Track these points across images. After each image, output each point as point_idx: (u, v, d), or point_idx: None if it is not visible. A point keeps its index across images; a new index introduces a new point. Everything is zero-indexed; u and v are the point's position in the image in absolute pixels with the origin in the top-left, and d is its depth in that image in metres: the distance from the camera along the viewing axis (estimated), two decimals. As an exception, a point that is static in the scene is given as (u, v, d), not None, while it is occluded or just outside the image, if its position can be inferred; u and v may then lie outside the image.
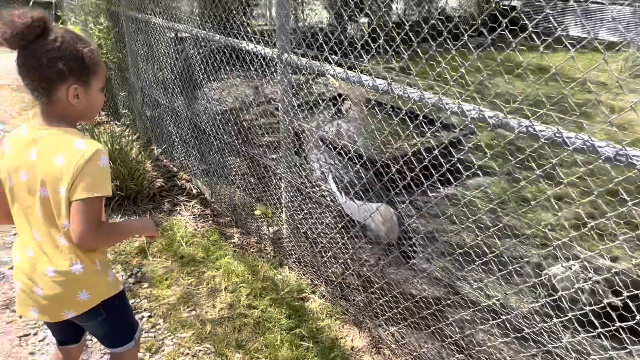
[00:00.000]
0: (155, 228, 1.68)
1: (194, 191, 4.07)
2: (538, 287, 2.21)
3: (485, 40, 1.57)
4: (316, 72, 2.37)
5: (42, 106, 1.43)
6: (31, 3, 6.89)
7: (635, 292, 1.40)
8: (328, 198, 2.67)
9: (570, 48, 1.43)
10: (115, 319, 1.68)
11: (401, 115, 2.02)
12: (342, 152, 2.69)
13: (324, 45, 2.33)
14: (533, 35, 1.51)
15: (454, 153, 1.89)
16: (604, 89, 6.88)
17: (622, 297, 1.42)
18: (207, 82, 3.78)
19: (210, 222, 3.65)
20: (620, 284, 1.49)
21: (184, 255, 3.20)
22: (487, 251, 1.85)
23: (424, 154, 2.00)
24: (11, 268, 3.05)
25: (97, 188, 1.36)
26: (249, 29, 3.06)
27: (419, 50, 1.90)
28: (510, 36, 1.56)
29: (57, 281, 1.47)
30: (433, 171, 1.91)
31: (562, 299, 1.72)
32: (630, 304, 1.45)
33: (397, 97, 1.97)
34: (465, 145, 1.76)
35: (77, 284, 1.49)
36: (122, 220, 1.58)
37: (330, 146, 2.84)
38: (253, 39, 2.88)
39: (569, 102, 1.71)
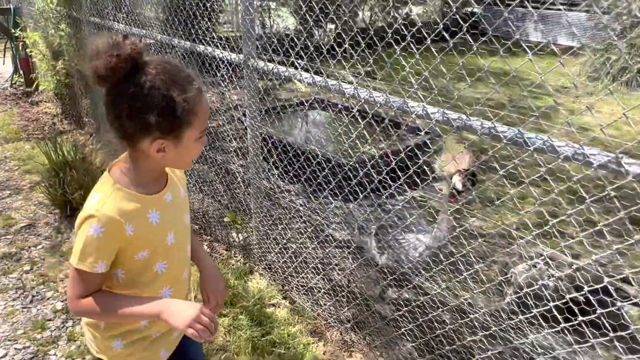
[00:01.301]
0: (194, 320, 1.18)
1: (161, 199, 4.00)
2: (504, 286, 2.26)
3: (448, 44, 1.60)
4: (283, 78, 2.36)
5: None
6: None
7: (595, 286, 1.44)
8: (298, 202, 2.66)
9: (529, 51, 1.47)
10: None
11: (368, 119, 2.04)
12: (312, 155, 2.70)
13: (290, 50, 2.34)
14: (493, 39, 1.55)
15: (420, 156, 1.91)
16: (565, 92, 7.11)
17: (583, 292, 1.47)
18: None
19: (178, 230, 3.59)
20: (582, 280, 1.54)
21: (151, 264, 3.14)
22: (455, 251, 1.89)
23: (391, 157, 2.02)
24: None
25: (78, 258, 1.16)
26: (214, 34, 3.04)
27: (383, 55, 1.93)
28: (471, 40, 1.60)
29: None
30: (400, 174, 1.94)
31: (527, 296, 1.76)
32: (592, 298, 1.50)
33: (363, 100, 1.99)
34: (430, 148, 1.78)
35: (86, 325, 1.41)
36: (133, 298, 1.27)
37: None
38: (219, 44, 2.86)
39: (529, 104, 1.76)
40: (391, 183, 2.01)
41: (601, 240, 1.41)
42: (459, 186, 2.24)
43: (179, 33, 3.28)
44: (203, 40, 2.95)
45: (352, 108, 2.14)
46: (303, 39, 2.31)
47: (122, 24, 3.89)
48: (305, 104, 4.24)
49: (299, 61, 2.28)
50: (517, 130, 1.55)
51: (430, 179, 1.86)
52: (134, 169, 1.23)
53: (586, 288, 1.46)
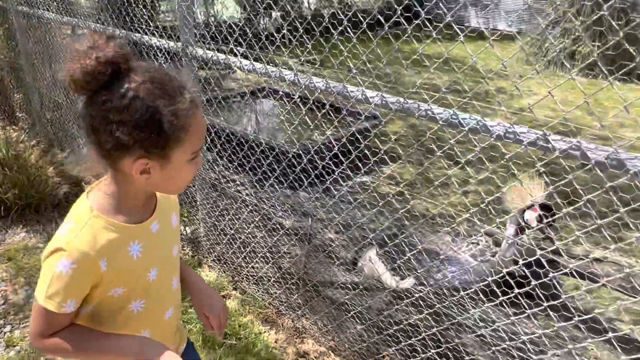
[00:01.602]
0: None
1: (104, 195, 3.87)
2: (445, 264, 2.32)
3: (388, 31, 1.61)
4: (223, 65, 2.32)
5: None
6: None
7: (529, 259, 1.51)
8: (243, 192, 2.63)
9: (459, 33, 1.50)
10: None
11: (309, 105, 2.03)
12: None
13: (228, 37, 2.29)
14: (427, 22, 1.57)
15: (361, 140, 1.93)
16: (505, 76, 7.35)
17: (518, 265, 1.53)
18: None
19: (122, 226, 3.49)
20: (517, 254, 1.60)
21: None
22: (399, 233, 1.92)
23: (334, 142, 2.03)
24: None
25: (44, 295, 1.03)
26: (151, 23, 2.94)
27: (322, 41, 1.92)
28: (406, 24, 1.61)
29: None
30: (343, 159, 1.95)
31: (469, 273, 1.82)
32: (526, 270, 1.56)
33: (303, 87, 1.98)
34: (378, 134, 1.80)
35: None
36: (110, 335, 1.13)
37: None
38: (155, 32, 2.77)
39: (463, 87, 1.80)
40: (334, 169, 2.02)
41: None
42: (533, 223, 1.92)
43: (114, 22, 3.15)
44: (139, 29, 2.85)
45: (295, 95, 2.12)
46: (241, 25, 2.27)
47: (54, 12, 3.70)
48: (247, 92, 4.21)
49: (239, 48, 2.24)
50: (452, 111, 1.58)
51: (372, 162, 1.88)
52: (115, 192, 1.08)
53: (521, 261, 1.53)
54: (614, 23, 1.50)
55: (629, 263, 2.04)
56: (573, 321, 1.44)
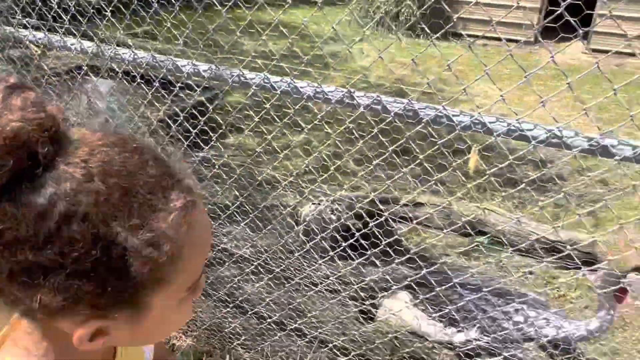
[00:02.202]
0: None
1: None
2: (292, 228, 2.36)
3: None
4: (13, 40, 2.03)
5: None
6: None
7: (350, 213, 1.58)
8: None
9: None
10: None
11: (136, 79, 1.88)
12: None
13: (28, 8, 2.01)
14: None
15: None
16: (338, 39, 7.62)
17: (342, 221, 1.59)
18: None
19: None
20: (339, 209, 1.67)
21: None
22: (238, 204, 1.89)
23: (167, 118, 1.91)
24: None
25: None
26: None
27: (121, 6, 1.77)
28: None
29: None
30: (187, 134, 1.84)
31: (305, 234, 1.86)
32: (359, 223, 1.63)
33: (109, 59, 1.82)
34: (215, 106, 1.72)
35: None
36: None
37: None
38: None
39: (269, 50, 1.80)
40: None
41: (348, 170, 1.53)
42: None
43: None
44: None
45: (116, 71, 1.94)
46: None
47: None
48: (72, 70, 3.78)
49: (28, 20, 1.97)
50: (264, 75, 1.56)
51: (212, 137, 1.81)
52: (45, 350, 0.57)
53: (345, 216, 1.59)
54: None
55: (445, 204, 2.26)
56: (402, 258, 1.53)
